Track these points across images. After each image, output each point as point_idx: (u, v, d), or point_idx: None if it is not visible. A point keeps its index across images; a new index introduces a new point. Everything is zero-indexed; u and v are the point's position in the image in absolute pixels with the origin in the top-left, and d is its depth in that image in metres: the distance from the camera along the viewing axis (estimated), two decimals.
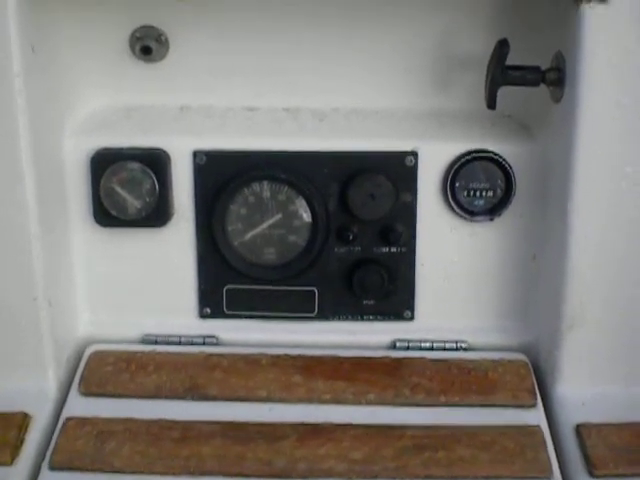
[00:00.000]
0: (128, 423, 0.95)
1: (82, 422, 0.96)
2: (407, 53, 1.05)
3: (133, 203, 1.04)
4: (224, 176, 1.03)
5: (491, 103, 0.97)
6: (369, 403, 0.98)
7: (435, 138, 1.04)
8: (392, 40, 1.05)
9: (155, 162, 1.03)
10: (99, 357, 1.05)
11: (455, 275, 1.07)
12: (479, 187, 1.03)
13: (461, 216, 1.04)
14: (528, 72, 0.96)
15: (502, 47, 0.94)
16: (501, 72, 0.95)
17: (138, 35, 1.04)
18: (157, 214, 1.04)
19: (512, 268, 1.07)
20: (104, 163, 1.03)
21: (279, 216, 1.04)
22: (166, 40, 1.05)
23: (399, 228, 1.04)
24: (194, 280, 1.07)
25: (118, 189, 1.04)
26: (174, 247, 1.06)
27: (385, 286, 1.05)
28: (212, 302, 1.08)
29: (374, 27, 1.05)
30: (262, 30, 1.05)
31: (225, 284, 1.07)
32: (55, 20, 0.99)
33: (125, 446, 0.92)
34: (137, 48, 1.04)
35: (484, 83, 0.99)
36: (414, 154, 1.02)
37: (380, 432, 0.93)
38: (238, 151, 1.03)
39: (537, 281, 1.05)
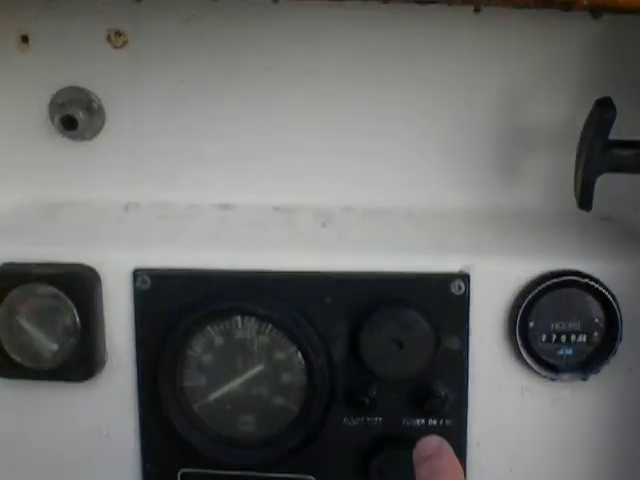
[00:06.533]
0: None
1: None
2: (452, 129, 0.73)
3: (46, 345, 0.72)
4: (178, 308, 0.70)
5: (586, 200, 0.62)
6: None
7: (496, 253, 0.70)
8: (430, 109, 0.73)
9: (77, 286, 0.70)
10: None
11: (526, 460, 0.71)
12: (565, 329, 0.68)
13: (538, 373, 0.69)
14: None
15: (603, 110, 0.59)
16: (602, 151, 0.60)
17: (59, 101, 0.72)
18: (81, 362, 0.71)
19: (616, 452, 0.70)
20: (5, 286, 0.71)
21: (259, 368, 0.71)
22: (100, 108, 0.73)
23: (441, 391, 0.69)
24: (136, 458, 0.73)
25: (25, 324, 0.72)
26: (107, 410, 0.73)
27: None
28: None
29: (404, 88, 0.72)
30: (240, 90, 0.73)
31: (180, 466, 0.73)
32: None
33: None
34: (57, 119, 0.72)
35: (574, 170, 0.64)
36: (464, 278, 0.68)
37: None
38: (198, 271, 0.69)
39: None
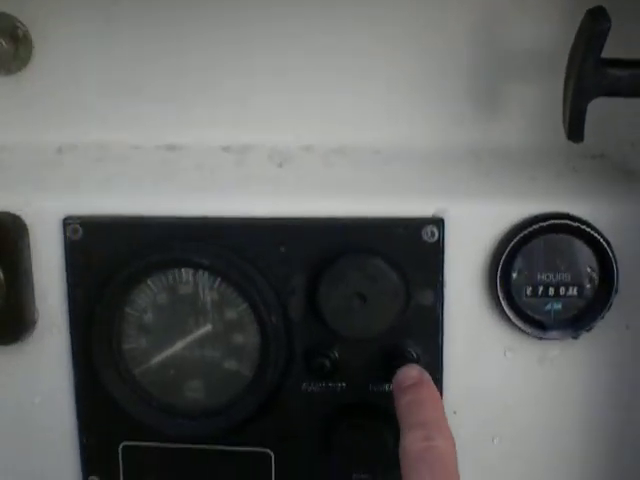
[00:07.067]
0: None
1: None
2: (423, 57, 0.64)
3: None
4: (114, 260, 0.61)
5: (576, 130, 0.54)
6: None
7: (473, 195, 0.61)
8: (399, 36, 0.64)
9: (1, 237, 0.61)
10: None
11: (511, 429, 0.63)
12: (553, 280, 0.60)
13: (522, 330, 0.60)
14: None
15: (596, 21, 0.50)
16: (594, 71, 0.51)
17: None
18: (7, 323, 0.63)
19: (610, 418, 0.62)
20: None
21: (208, 327, 0.62)
22: (26, 36, 0.65)
23: (413, 352, 0.61)
24: (72, 430, 0.65)
25: None
26: (38, 376, 0.64)
27: (389, 451, 0.60)
28: (102, 467, 0.65)
29: (370, 14, 0.64)
30: (186, 12, 0.64)
31: (121, 439, 0.65)
32: None
33: None
34: None
35: (562, 97, 0.56)
36: (437, 223, 0.59)
37: None
38: (137, 218, 0.61)
39: None
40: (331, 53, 0.64)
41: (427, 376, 0.58)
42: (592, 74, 0.52)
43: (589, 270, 0.60)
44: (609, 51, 0.53)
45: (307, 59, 0.64)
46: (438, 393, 0.56)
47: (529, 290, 0.60)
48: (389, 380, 0.60)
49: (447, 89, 0.64)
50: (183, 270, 0.61)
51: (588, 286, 0.60)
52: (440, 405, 0.56)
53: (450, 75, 0.64)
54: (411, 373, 0.57)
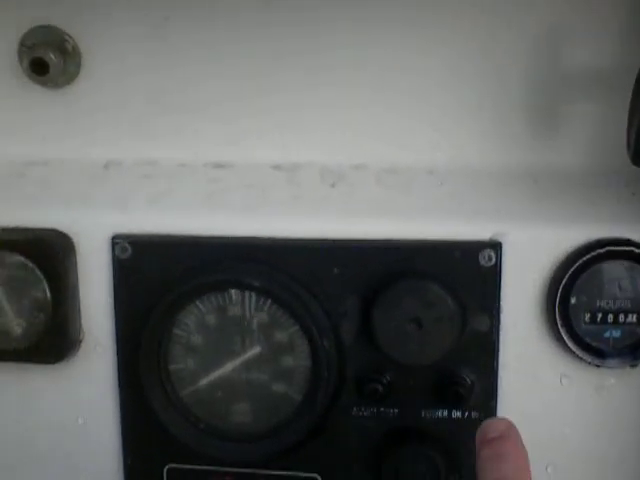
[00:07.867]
0: None
1: None
2: (481, 75, 0.62)
3: (13, 322, 0.62)
4: (163, 279, 0.60)
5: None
6: None
7: (532, 219, 0.59)
8: (456, 52, 0.62)
9: (48, 254, 0.61)
10: None
11: (566, 458, 0.61)
12: (613, 307, 0.58)
13: (580, 358, 0.59)
14: None
15: None
16: None
17: (29, 43, 0.63)
18: (52, 341, 0.62)
19: None
20: None
21: (257, 349, 0.61)
22: (75, 50, 0.64)
23: (467, 378, 0.59)
24: (116, 451, 0.64)
25: None
26: (82, 396, 0.64)
27: (442, 478, 0.59)
28: None
29: (426, 29, 0.62)
30: (236, 28, 0.63)
31: (166, 462, 0.63)
32: None
33: None
34: (26, 63, 0.62)
35: (623, 121, 0.54)
36: (495, 247, 0.58)
37: None
38: (186, 238, 0.60)
39: None
40: (384, 71, 0.63)
41: (515, 431, 0.52)
42: None
43: None
44: None
45: (360, 77, 0.63)
46: (525, 450, 0.51)
47: (588, 317, 0.58)
48: (443, 406, 0.60)
49: (504, 108, 0.62)
50: (233, 291, 0.60)
51: None
52: (525, 464, 0.50)
53: (507, 94, 0.62)
54: (498, 425, 0.52)
